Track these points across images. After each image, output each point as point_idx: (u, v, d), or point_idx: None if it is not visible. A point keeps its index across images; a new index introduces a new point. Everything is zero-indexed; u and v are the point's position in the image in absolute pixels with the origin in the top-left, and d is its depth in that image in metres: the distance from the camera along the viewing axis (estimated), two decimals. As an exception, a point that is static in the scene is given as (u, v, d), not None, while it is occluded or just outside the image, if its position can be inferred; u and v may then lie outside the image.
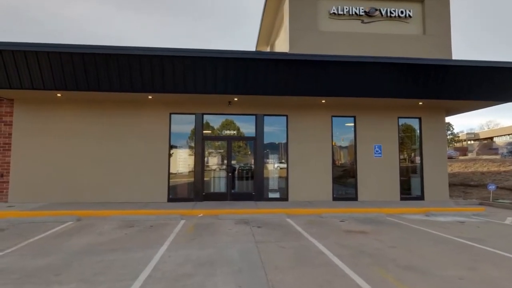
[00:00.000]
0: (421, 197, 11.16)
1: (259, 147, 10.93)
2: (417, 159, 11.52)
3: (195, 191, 10.64)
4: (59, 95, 9.74)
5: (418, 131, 11.52)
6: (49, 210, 8.72)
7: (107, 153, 10.30)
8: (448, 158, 16.79)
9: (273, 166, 11.27)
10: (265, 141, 11.00)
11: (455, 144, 54.55)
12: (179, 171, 10.96)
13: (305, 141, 10.87)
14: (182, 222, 7.97)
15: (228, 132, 11.22)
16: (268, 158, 11.21)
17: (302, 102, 10.71)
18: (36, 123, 10.21)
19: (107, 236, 6.41)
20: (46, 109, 10.28)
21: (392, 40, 10.61)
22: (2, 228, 7.02)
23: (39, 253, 5.12)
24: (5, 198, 10.03)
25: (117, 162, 10.30)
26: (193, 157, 10.81)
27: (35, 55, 8.55)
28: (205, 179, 10.85)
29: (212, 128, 11.21)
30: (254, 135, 10.99)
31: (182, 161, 11.00)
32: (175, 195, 10.70)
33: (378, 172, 11.01)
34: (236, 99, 10.23)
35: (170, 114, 10.68)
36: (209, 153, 11.23)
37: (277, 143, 11.27)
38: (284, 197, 10.81)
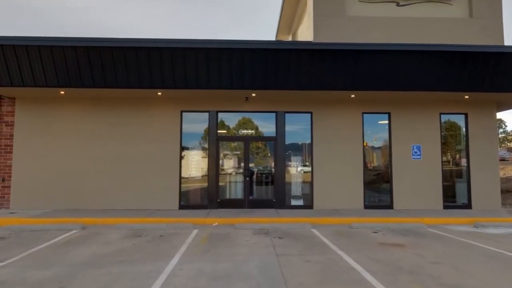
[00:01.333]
0: (467, 205, 10.79)
1: (280, 148, 10.86)
2: (463, 161, 11.15)
3: (209, 197, 10.71)
4: (62, 92, 9.99)
5: (464, 129, 11.16)
6: (53, 218, 8.98)
7: (113, 155, 10.50)
8: (500, 160, 16.12)
9: (296, 169, 11.21)
10: (287, 142, 10.93)
11: (508, 144, 52.65)
12: (191, 175, 11.06)
13: (332, 142, 10.72)
14: (195, 231, 7.96)
15: (245, 131, 11.21)
16: (290, 161, 11.16)
17: (329, 97, 10.57)
18: (39, 124, 10.54)
19: (113, 246, 6.52)
20: (49, 108, 10.59)
21: (432, 24, 10.25)
22: (4, 237, 7.28)
23: (42, 264, 5.27)
24: (6, 204, 10.41)
25: (125, 166, 10.47)
26: (206, 159, 10.86)
27: (37, 50, 8.81)
28: (220, 184, 10.90)
29: (228, 128, 11.27)
30: (274, 135, 10.94)
31: (195, 164, 11.11)
32: (187, 201, 10.82)
33: (417, 176, 10.71)
34: (254, 94, 10.23)
35: (182, 112, 10.80)
36: (224, 155, 11.28)
37: (300, 143, 11.20)
38: (308, 205, 10.72)
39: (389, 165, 10.91)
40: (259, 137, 11.39)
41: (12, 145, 10.48)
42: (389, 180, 10.85)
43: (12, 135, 10.54)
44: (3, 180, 10.43)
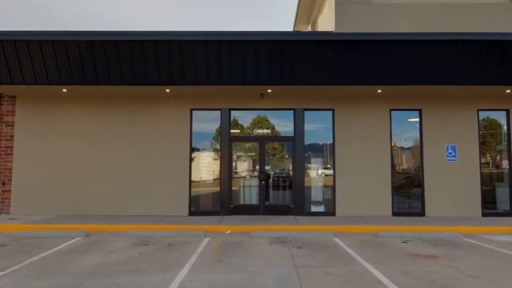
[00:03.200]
0: (509, 213, 10.52)
1: (299, 149, 10.79)
2: (505, 163, 10.92)
3: (222, 203, 10.69)
4: (64, 90, 10.15)
5: (505, 127, 10.91)
6: (55, 224, 9.17)
7: (119, 157, 10.62)
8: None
9: (316, 172, 11.15)
10: (306, 142, 10.86)
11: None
12: (202, 179, 11.08)
13: (356, 142, 10.61)
14: (206, 240, 7.96)
15: (260, 131, 11.14)
16: (310, 163, 11.11)
17: (352, 93, 10.46)
18: (40, 124, 10.73)
19: (119, 255, 6.58)
20: (52, 107, 10.78)
21: (468, 11, 10.06)
22: (4, 244, 7.45)
23: (44, 273, 5.33)
24: (7, 209, 10.64)
25: (131, 169, 10.56)
26: (218, 161, 10.86)
27: (38, 45, 8.97)
28: (233, 188, 10.87)
29: (241, 127, 11.27)
30: (292, 135, 10.88)
31: (206, 166, 11.12)
32: (197, 207, 10.86)
33: (452, 179, 10.47)
34: (269, 90, 10.20)
35: (191, 110, 10.85)
36: (238, 157, 11.25)
37: (321, 144, 11.15)
38: (330, 211, 10.63)
39: (420, 167, 10.72)
40: (275, 137, 11.29)
41: (12, 147, 10.69)
42: (420, 184, 10.66)
43: (12, 136, 10.75)
44: (4, 183, 10.65)
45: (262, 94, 10.46)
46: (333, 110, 10.82)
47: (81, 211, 10.43)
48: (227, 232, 8.82)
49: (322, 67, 9.30)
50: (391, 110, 10.82)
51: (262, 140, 11.03)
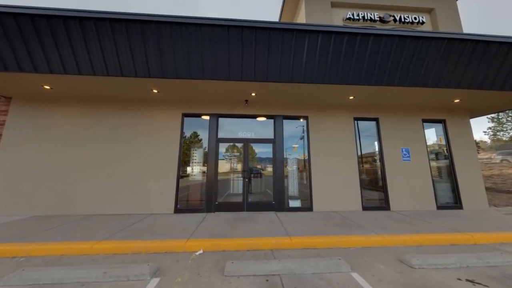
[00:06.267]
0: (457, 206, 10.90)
1: (279, 150, 10.95)
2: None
3: (207, 200, 10.22)
4: (47, 87, 9.46)
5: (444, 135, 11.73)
6: None
7: (109, 157, 10.27)
8: None
9: (295, 171, 11.22)
10: (285, 144, 11.15)
11: None
12: (189, 178, 10.66)
13: (327, 143, 11.12)
14: (154, 282, 4.87)
15: (244, 133, 11.21)
16: (288, 163, 11.20)
17: (324, 102, 11.11)
18: (31, 124, 10.16)
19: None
20: (47, 109, 10.32)
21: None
22: None
23: None
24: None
25: (118, 171, 10.19)
26: (206, 162, 10.70)
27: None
28: (218, 186, 10.51)
29: (228, 130, 11.19)
30: (272, 137, 11.11)
31: (193, 165, 10.85)
32: (183, 205, 10.25)
33: (409, 177, 11.07)
34: (253, 94, 10.21)
35: (183, 115, 10.92)
36: (224, 157, 11.02)
37: (298, 145, 11.43)
38: (307, 207, 10.62)
39: (382, 167, 11.27)
40: (258, 139, 11.22)
41: (-1, 144, 9.46)
42: (383, 183, 11.12)
43: (1, 135, 10.01)
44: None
45: (246, 100, 10.68)
46: (307, 116, 11.35)
47: (63, 211, 9.65)
48: (197, 253, 6.22)
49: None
50: (354, 118, 11.50)
51: (246, 142, 11.00)
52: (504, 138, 34.85)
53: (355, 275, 5.12)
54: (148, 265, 5.24)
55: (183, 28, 8.06)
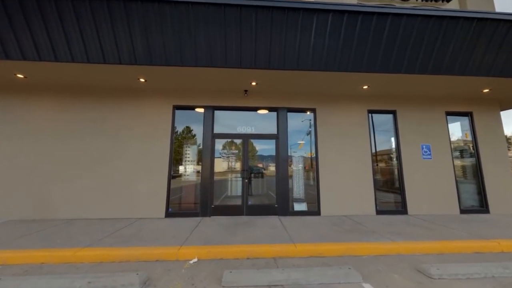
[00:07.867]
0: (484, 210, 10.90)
1: (282, 147, 10.90)
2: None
3: (202, 203, 10.19)
4: (20, 76, 9.43)
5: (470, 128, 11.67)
6: None
7: (93, 155, 10.21)
8: None
9: (300, 171, 11.17)
10: (290, 140, 11.09)
11: None
12: (182, 179, 10.64)
13: (337, 140, 11.06)
14: None
15: (244, 128, 11.13)
16: (293, 162, 11.16)
17: (333, 93, 11.07)
18: (7, 117, 10.19)
19: None
20: (23, 101, 10.31)
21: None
22: None
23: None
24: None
25: (103, 170, 10.14)
26: (200, 160, 10.63)
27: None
28: (214, 187, 10.45)
29: (225, 124, 11.09)
30: (275, 132, 11.02)
31: (186, 165, 10.82)
32: (175, 208, 10.22)
33: (429, 177, 11.05)
34: (254, 83, 10.13)
35: (174, 107, 10.80)
36: (221, 155, 10.97)
37: (304, 141, 11.35)
38: (314, 211, 10.60)
39: (399, 166, 11.30)
40: (259, 135, 11.13)
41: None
42: (400, 183, 11.22)
43: None
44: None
45: (246, 91, 10.68)
46: (314, 109, 11.27)
47: (42, 215, 9.62)
48: (191, 262, 6.18)
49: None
50: (368, 110, 11.43)
51: (245, 138, 10.93)
52: (539, 134, 34.66)
53: (368, 286, 5.08)
54: (137, 274, 5.23)
55: (172, 6, 7.97)
